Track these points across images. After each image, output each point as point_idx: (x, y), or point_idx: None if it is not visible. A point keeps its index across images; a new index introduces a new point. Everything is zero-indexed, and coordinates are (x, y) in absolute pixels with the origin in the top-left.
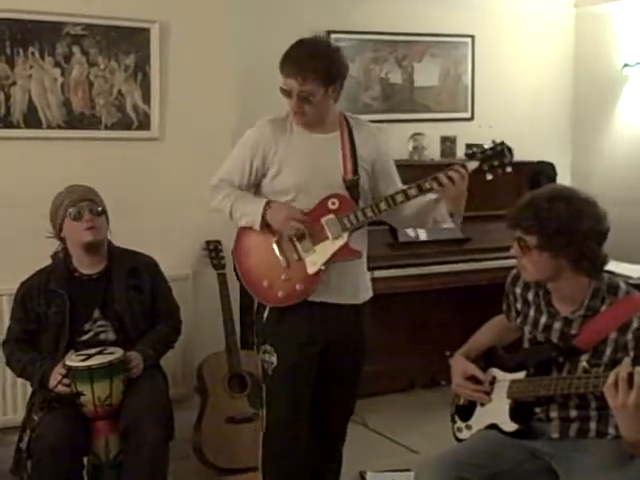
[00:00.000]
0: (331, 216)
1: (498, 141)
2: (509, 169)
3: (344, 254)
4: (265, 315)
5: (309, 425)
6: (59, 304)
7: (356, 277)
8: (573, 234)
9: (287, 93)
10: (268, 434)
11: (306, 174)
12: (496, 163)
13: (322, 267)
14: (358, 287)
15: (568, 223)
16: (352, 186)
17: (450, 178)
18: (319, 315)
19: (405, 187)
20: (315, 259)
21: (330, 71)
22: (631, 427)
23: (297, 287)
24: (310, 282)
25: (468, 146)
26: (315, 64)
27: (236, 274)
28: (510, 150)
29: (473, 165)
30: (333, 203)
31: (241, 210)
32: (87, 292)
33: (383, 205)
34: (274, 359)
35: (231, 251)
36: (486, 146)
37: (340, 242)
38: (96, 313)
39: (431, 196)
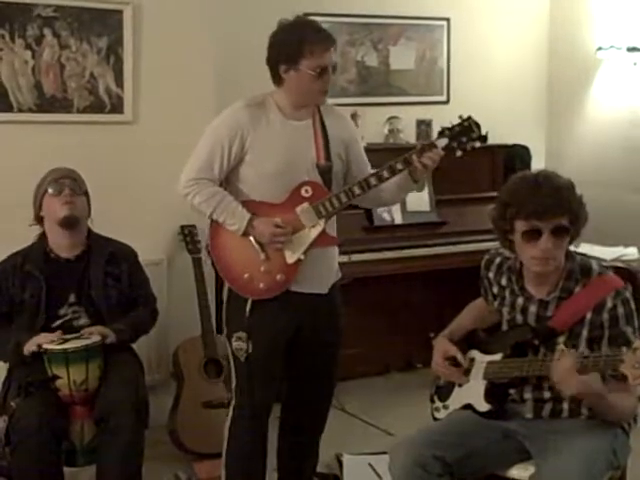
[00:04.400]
0: (305, 204)
1: (465, 116)
2: (477, 144)
3: (322, 242)
4: (248, 308)
5: (287, 422)
6: (35, 287)
7: (330, 264)
8: (585, 206)
9: (324, 71)
10: (236, 425)
11: (283, 162)
12: (464, 139)
13: (301, 256)
14: (332, 273)
15: (582, 196)
16: (325, 172)
17: (423, 164)
18: (295, 304)
19: (377, 170)
20: (293, 249)
21: None
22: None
23: (277, 278)
24: (290, 272)
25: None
26: None
27: (214, 268)
28: (478, 125)
29: (442, 143)
30: (306, 191)
31: (222, 218)
32: (64, 275)
33: (357, 189)
34: (247, 346)
35: (205, 246)
36: (454, 122)
37: (317, 230)
38: (72, 298)
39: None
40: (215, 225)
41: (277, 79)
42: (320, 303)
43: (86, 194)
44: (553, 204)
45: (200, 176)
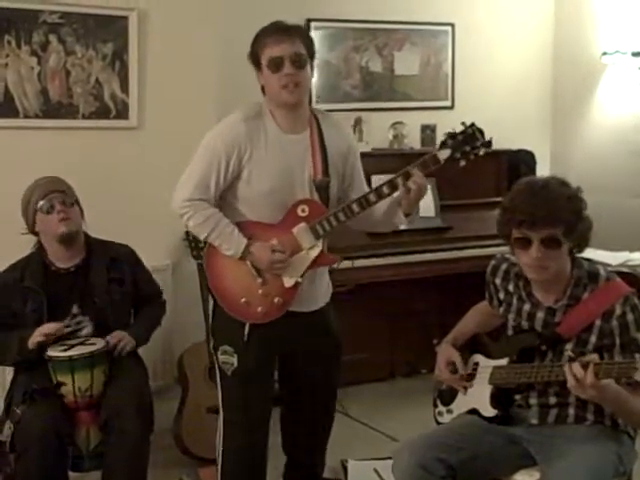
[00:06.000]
0: (302, 225)
1: (468, 124)
2: (482, 152)
3: (321, 262)
4: (246, 332)
5: (288, 433)
6: (36, 301)
7: (324, 280)
8: (585, 218)
9: (278, 62)
10: (229, 442)
11: (279, 179)
12: (468, 148)
13: (299, 279)
14: (324, 290)
15: (582, 207)
16: (322, 188)
17: (407, 188)
18: (290, 322)
19: (376, 186)
20: (291, 272)
21: (310, 38)
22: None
23: (275, 301)
24: (288, 295)
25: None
26: (297, 28)
27: (210, 293)
28: (481, 132)
29: (445, 154)
30: (303, 210)
31: (217, 242)
32: (64, 287)
33: (356, 207)
34: (234, 360)
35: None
36: (456, 131)
37: (315, 251)
38: (75, 309)
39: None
40: (210, 248)
41: (261, 87)
42: (314, 319)
43: (77, 201)
44: (544, 215)
45: (195, 196)
